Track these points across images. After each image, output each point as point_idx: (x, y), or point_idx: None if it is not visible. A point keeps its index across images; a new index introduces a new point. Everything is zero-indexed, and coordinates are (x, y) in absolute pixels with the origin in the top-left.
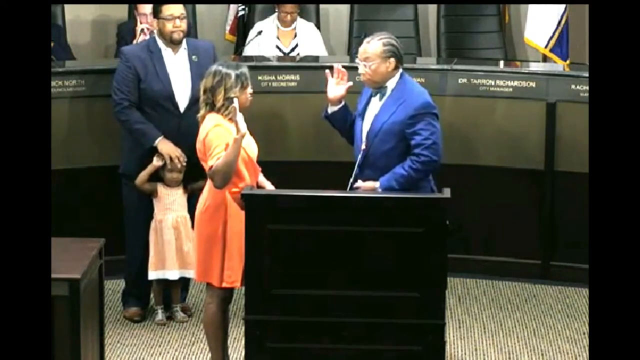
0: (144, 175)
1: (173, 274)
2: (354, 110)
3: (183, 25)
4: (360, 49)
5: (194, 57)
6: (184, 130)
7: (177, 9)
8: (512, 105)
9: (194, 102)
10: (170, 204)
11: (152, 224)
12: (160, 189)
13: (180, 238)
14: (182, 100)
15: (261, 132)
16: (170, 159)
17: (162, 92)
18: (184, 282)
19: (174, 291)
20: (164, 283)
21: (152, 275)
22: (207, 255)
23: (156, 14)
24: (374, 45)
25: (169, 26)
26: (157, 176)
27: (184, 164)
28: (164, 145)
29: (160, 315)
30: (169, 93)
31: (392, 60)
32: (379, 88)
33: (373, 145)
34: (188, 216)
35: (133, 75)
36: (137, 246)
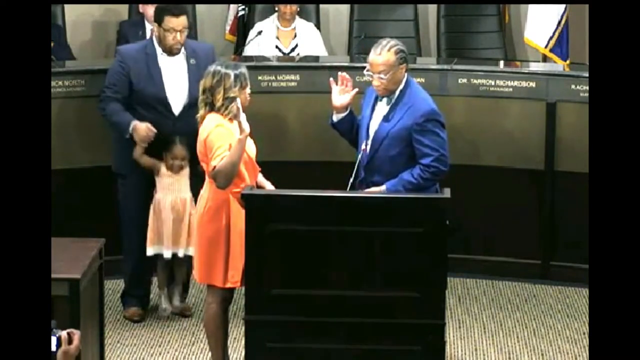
0: (139, 149)
1: (167, 253)
2: (359, 114)
3: (183, 38)
4: (372, 61)
5: (192, 60)
6: (179, 132)
7: (180, 23)
8: (512, 105)
9: (191, 105)
10: (170, 184)
11: (152, 202)
12: (163, 169)
13: (177, 219)
14: (177, 104)
15: (261, 132)
16: (168, 158)
17: (155, 96)
18: (184, 282)
19: (177, 271)
20: (170, 268)
21: (150, 251)
22: (209, 257)
23: (157, 21)
24: (385, 56)
25: (168, 38)
26: (159, 156)
27: (154, 131)
28: (135, 133)
29: (163, 303)
30: (162, 97)
31: (404, 65)
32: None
33: (379, 150)
34: (190, 196)
35: (125, 76)
36: (134, 245)
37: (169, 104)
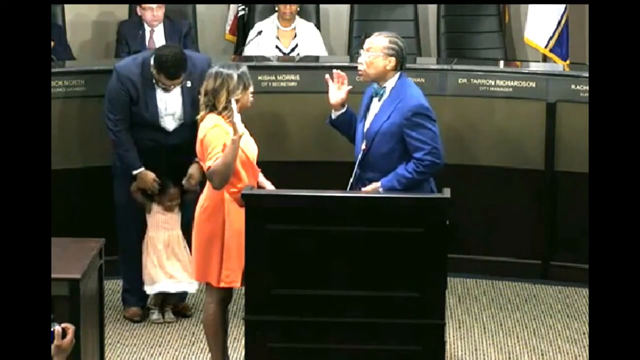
0: (135, 185)
1: (167, 286)
2: (357, 113)
3: (176, 86)
4: (366, 41)
5: (187, 82)
6: (172, 145)
7: (173, 83)
8: (512, 105)
9: (184, 125)
10: (163, 222)
11: (145, 239)
12: (155, 207)
13: (172, 254)
14: (170, 125)
15: (261, 132)
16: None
17: (149, 120)
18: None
19: (171, 295)
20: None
21: (148, 290)
22: (205, 256)
23: (156, 69)
24: (379, 39)
25: (162, 86)
26: (148, 195)
27: (157, 188)
28: (140, 180)
29: (156, 314)
30: (156, 122)
31: (393, 59)
32: (379, 88)
33: (372, 146)
34: (180, 233)
35: (126, 97)
36: (132, 246)
37: (162, 127)
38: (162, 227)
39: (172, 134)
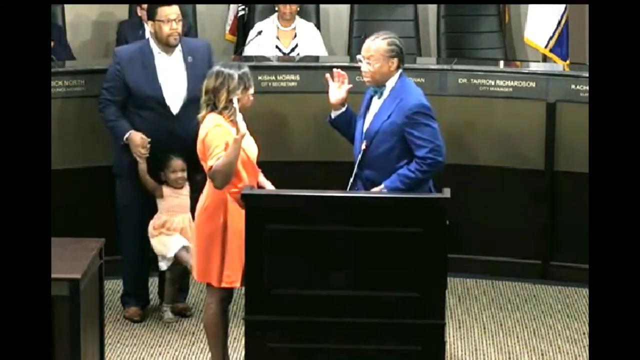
0: (143, 166)
1: (163, 265)
2: (357, 112)
3: (179, 27)
4: (364, 46)
5: (189, 58)
6: (178, 133)
7: (173, 11)
8: (511, 105)
9: (189, 103)
10: (176, 206)
11: (157, 222)
12: (166, 190)
13: (187, 239)
14: (175, 103)
15: (261, 132)
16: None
17: (152, 97)
18: (184, 282)
19: (169, 289)
20: (171, 279)
21: (153, 241)
22: (206, 255)
23: (151, 16)
24: (378, 44)
25: (165, 29)
26: (159, 179)
27: (147, 148)
28: (130, 142)
29: (169, 313)
30: (159, 98)
31: (395, 60)
32: (379, 87)
33: (372, 145)
34: (190, 216)
35: (120, 79)
36: (133, 246)
37: (166, 105)
38: (175, 211)
39: (178, 118)
